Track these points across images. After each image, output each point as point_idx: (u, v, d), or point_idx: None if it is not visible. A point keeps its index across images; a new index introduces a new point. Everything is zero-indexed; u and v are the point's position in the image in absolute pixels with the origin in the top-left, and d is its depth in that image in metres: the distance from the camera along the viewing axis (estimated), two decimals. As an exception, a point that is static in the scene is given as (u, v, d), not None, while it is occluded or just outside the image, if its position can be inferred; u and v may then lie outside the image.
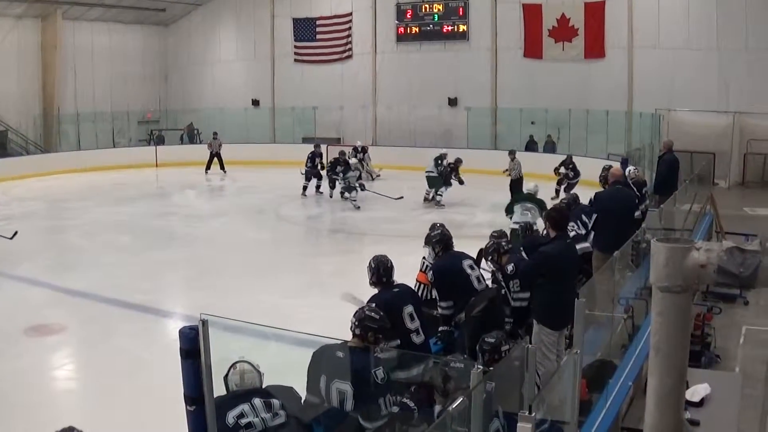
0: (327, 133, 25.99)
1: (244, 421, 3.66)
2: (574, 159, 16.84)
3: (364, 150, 21.30)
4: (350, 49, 26.54)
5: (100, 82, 27.73)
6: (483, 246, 6.49)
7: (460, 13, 24.11)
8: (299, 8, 27.32)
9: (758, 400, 5.12)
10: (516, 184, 16.44)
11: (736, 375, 6.33)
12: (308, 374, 4.09)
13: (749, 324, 8.15)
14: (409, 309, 5.00)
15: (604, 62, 21.69)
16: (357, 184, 16.35)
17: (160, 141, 27.43)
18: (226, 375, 3.89)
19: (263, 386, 3.94)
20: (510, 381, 3.46)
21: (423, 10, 24.72)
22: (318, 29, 27.10)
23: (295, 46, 27.67)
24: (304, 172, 18.36)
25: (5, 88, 24.35)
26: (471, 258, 6.10)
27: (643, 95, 20.55)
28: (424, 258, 6.88)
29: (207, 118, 28.07)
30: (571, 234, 7.07)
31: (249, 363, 3.93)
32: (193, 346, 3.48)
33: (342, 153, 17.61)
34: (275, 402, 3.80)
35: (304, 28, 27.37)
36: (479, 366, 3.17)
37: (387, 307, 4.87)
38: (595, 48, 21.82)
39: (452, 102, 24.61)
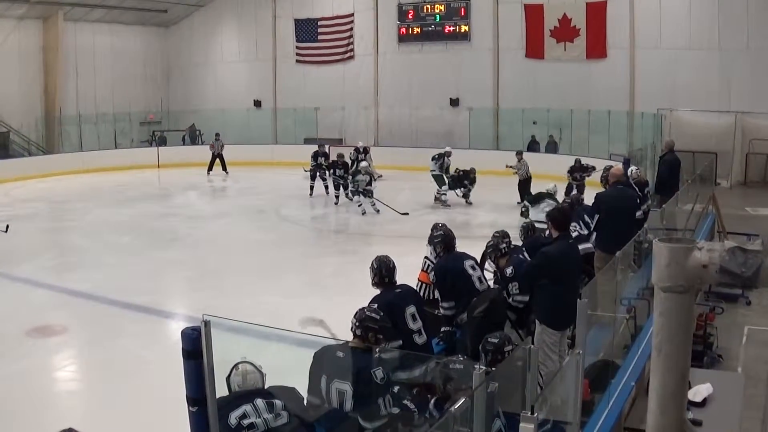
0: (329, 134, 26.00)
1: (246, 421, 3.66)
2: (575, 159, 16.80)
3: (366, 151, 21.28)
4: (352, 50, 26.54)
5: (102, 83, 27.76)
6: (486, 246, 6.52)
7: (462, 13, 24.10)
8: (301, 9, 27.34)
9: (760, 400, 5.13)
10: (524, 185, 16.56)
11: (739, 375, 6.32)
12: (310, 374, 4.10)
13: (751, 324, 8.14)
14: (411, 309, 5.00)
15: (605, 62, 21.68)
16: (364, 189, 15.82)
17: (161, 142, 27.44)
18: (229, 376, 3.89)
19: (265, 387, 3.94)
20: (512, 381, 3.46)
21: (425, 11, 24.72)
22: (320, 30, 27.11)
23: (297, 47, 27.69)
24: (308, 170, 18.40)
25: (7, 89, 24.37)
26: (473, 258, 6.10)
27: (645, 95, 20.54)
28: (425, 258, 6.88)
29: (209, 119, 28.10)
30: (574, 234, 7.07)
31: (251, 363, 3.94)
32: (195, 347, 3.47)
33: (340, 155, 17.57)
34: (277, 402, 3.80)
35: (306, 29, 27.38)
36: (481, 366, 3.17)
37: (389, 308, 4.88)
38: (596, 48, 21.81)
39: (454, 102, 24.62)
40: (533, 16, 22.71)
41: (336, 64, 26.88)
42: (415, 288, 5.86)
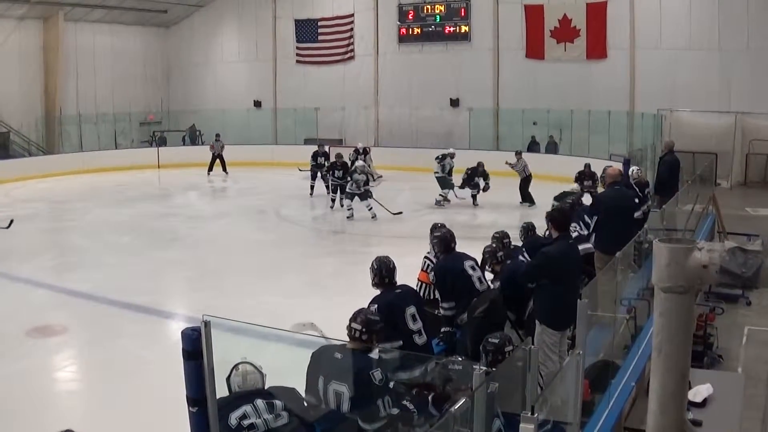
0: (329, 134, 26.02)
1: (246, 422, 3.66)
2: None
3: (366, 152, 21.28)
4: (352, 50, 26.54)
5: (102, 83, 27.75)
6: (486, 245, 6.53)
7: (462, 13, 24.10)
8: (301, 9, 27.34)
9: (760, 401, 5.13)
10: (524, 184, 16.60)
11: (739, 375, 6.32)
12: (307, 375, 4.11)
13: (751, 324, 8.14)
14: (411, 310, 4.99)
15: (605, 63, 21.68)
16: (363, 189, 15.34)
17: (162, 142, 27.45)
18: (229, 376, 3.89)
19: (265, 387, 3.94)
20: (512, 382, 3.46)
21: (425, 11, 24.72)
22: (320, 30, 27.11)
23: (297, 47, 27.69)
24: (303, 170, 18.39)
25: (7, 89, 24.37)
26: (473, 259, 6.10)
27: (645, 96, 20.54)
28: (425, 257, 6.89)
29: (209, 120, 28.11)
30: (574, 235, 7.08)
31: (251, 364, 3.93)
32: (195, 348, 3.47)
33: (339, 156, 17.48)
34: (278, 403, 3.80)
35: (306, 29, 27.38)
36: (481, 366, 3.16)
37: (389, 308, 4.88)
38: (596, 48, 21.81)
39: (454, 103, 24.62)
40: (533, 16, 22.71)
41: (336, 65, 26.88)
42: (415, 288, 5.86)
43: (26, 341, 8.08)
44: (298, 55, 27.73)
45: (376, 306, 4.87)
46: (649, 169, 14.61)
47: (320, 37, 27.12)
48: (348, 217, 15.15)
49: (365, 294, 5.17)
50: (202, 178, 22.51)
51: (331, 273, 11.65)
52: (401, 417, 4.04)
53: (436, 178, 17.12)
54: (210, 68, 29.65)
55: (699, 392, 4.61)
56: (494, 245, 6.54)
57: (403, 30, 25.11)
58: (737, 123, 18.78)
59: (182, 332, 3.57)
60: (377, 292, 5.12)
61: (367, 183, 15.52)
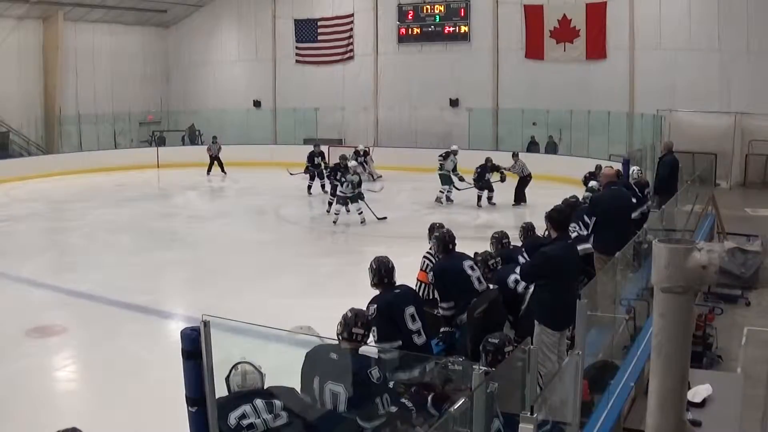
0: (328, 134, 26.03)
1: (245, 422, 3.66)
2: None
3: (366, 153, 21.29)
4: (352, 50, 26.54)
5: (102, 83, 27.74)
6: (477, 254, 6.54)
7: (462, 14, 24.11)
8: (301, 9, 27.33)
9: (760, 401, 5.13)
10: (522, 184, 16.59)
11: (738, 376, 6.33)
12: (302, 374, 4.11)
13: (751, 325, 8.14)
14: (410, 310, 4.99)
15: (605, 63, 21.68)
16: (357, 191, 14.84)
17: (161, 142, 27.47)
18: (228, 376, 3.89)
19: (265, 387, 3.94)
20: (511, 382, 3.46)
21: (424, 11, 24.73)
22: (319, 30, 27.11)
23: (297, 47, 27.69)
24: (294, 173, 18.45)
25: (7, 89, 24.36)
26: (472, 259, 6.11)
27: (645, 96, 20.54)
28: (424, 257, 6.89)
29: (208, 120, 28.10)
30: (573, 235, 7.08)
31: (250, 364, 3.94)
32: (194, 347, 3.47)
33: (343, 157, 17.45)
34: (277, 403, 3.80)
35: (306, 29, 27.38)
36: (481, 367, 3.17)
37: (388, 308, 4.88)
38: (596, 49, 21.81)
39: (453, 103, 24.62)
40: (533, 16, 22.72)
41: (336, 65, 26.88)
42: (414, 288, 5.86)
43: (26, 341, 8.08)
44: (297, 55, 27.73)
45: (375, 306, 4.87)
46: (649, 169, 14.61)
47: (320, 37, 27.12)
48: (334, 222, 14.77)
49: (364, 294, 5.16)
50: (201, 178, 22.53)
51: (330, 273, 11.65)
52: (400, 415, 4.04)
53: (439, 175, 17.20)
54: (209, 68, 29.64)
55: (698, 392, 4.61)
56: (486, 253, 6.56)
57: (403, 30, 25.11)
58: (737, 123, 18.79)
59: (182, 332, 3.57)
60: (376, 292, 5.12)
61: (360, 185, 15.10)
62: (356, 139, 24.00)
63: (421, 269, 6.86)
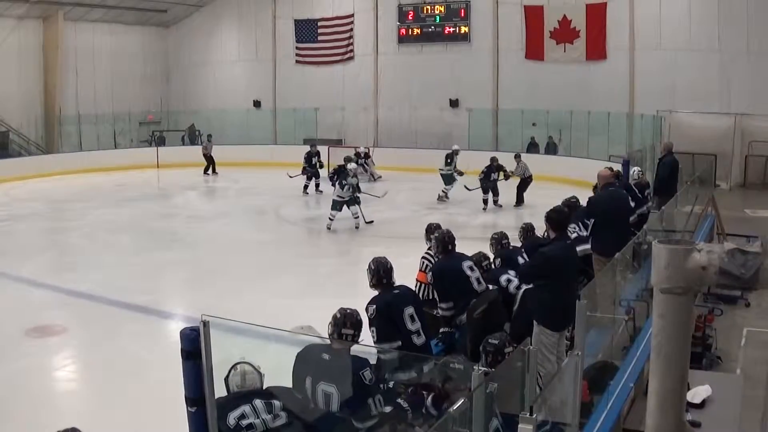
0: (328, 135, 26.04)
1: (245, 422, 3.66)
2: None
3: (367, 155, 21.30)
4: (352, 51, 26.54)
5: (102, 83, 27.75)
6: (489, 243, 6.56)
7: (462, 14, 24.12)
8: (301, 9, 27.34)
9: (759, 402, 5.13)
10: (522, 185, 16.62)
11: (738, 377, 6.33)
12: (293, 375, 4.12)
13: (750, 326, 8.14)
14: (410, 310, 4.99)
15: (605, 64, 21.69)
16: (354, 195, 14.44)
17: (161, 142, 27.47)
18: (227, 376, 3.89)
19: (264, 387, 3.94)
20: (511, 382, 3.46)
21: (424, 12, 24.73)
22: (319, 30, 27.12)
23: (297, 48, 27.69)
24: (293, 176, 18.50)
25: (6, 89, 24.36)
26: (471, 259, 6.10)
27: (645, 97, 20.54)
28: (423, 258, 6.89)
29: (208, 120, 28.09)
30: (573, 236, 7.07)
31: (250, 364, 3.94)
32: (194, 348, 3.48)
33: (347, 159, 17.40)
34: (276, 403, 3.81)
35: (306, 30, 27.38)
36: (481, 367, 3.17)
37: (388, 309, 4.88)
38: (596, 49, 21.82)
39: (453, 103, 24.62)
40: (533, 17, 22.72)
41: (336, 65, 26.88)
42: (413, 289, 5.86)
43: (26, 341, 8.07)
44: (297, 55, 27.73)
45: (374, 307, 4.87)
46: (649, 170, 14.61)
47: (320, 38, 27.13)
48: (328, 227, 14.47)
49: (364, 294, 5.16)
50: (201, 178, 22.58)
51: (329, 273, 11.66)
52: (395, 415, 4.04)
53: (441, 174, 17.32)
54: (209, 68, 29.64)
55: (698, 393, 4.61)
56: (479, 254, 6.57)
57: (403, 30, 25.12)
58: (737, 124, 18.78)
59: (181, 332, 3.57)
60: (375, 292, 5.12)
61: (358, 188, 14.73)
62: (356, 140, 24.01)
63: (420, 270, 6.86)
